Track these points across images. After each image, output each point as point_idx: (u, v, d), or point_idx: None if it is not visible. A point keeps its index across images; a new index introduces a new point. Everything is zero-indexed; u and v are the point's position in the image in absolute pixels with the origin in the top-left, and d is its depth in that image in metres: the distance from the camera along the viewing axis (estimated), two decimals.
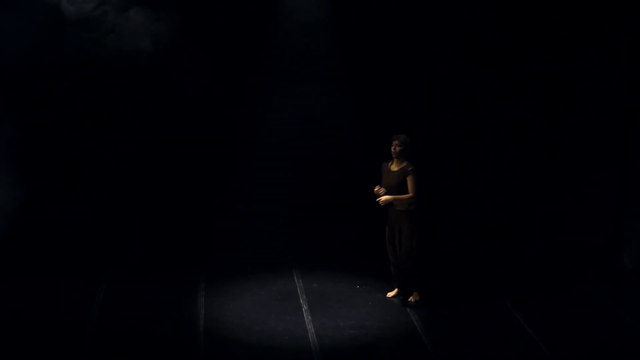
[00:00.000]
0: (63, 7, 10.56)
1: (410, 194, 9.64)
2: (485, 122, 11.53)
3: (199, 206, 11.52)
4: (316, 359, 8.51)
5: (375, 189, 9.78)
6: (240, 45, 11.29)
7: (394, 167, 9.77)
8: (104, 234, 11.25)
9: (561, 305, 9.75)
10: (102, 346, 8.73)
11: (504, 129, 11.52)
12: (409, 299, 9.83)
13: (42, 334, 8.91)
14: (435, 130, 11.61)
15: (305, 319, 9.38)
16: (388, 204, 9.72)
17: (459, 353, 8.65)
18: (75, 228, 11.23)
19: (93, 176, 11.29)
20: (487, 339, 8.92)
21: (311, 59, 11.40)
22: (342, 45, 11.33)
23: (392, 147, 9.76)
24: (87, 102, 11.17)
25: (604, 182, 11.28)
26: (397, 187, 9.68)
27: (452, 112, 11.58)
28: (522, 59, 11.31)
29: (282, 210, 11.62)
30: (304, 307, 9.68)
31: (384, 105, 11.54)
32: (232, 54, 11.30)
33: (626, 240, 11.04)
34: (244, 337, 8.96)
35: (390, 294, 10.05)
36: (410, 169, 9.65)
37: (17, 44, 10.52)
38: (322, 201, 11.63)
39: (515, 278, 10.54)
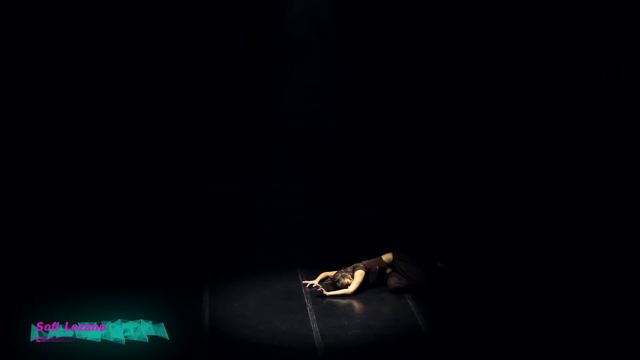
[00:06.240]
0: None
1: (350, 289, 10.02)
2: (492, 122, 11.55)
3: (201, 205, 11.55)
4: (320, 358, 8.53)
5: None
6: (241, 44, 11.34)
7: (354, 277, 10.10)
8: (106, 233, 11.30)
9: (562, 305, 9.76)
10: (106, 346, 8.77)
11: (508, 133, 11.53)
12: None
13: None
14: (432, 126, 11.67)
15: (310, 318, 9.40)
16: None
17: (464, 353, 8.67)
18: (77, 228, 11.28)
19: (92, 175, 11.33)
20: (492, 339, 8.94)
21: (314, 55, 11.46)
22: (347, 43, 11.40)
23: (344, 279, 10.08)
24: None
25: (604, 182, 11.28)
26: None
27: (454, 109, 11.62)
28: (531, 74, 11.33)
29: (285, 209, 11.66)
30: (309, 306, 9.71)
31: (385, 105, 11.58)
32: (232, 52, 11.34)
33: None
34: (249, 336, 8.98)
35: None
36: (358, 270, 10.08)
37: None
38: (326, 200, 11.68)
39: (516, 278, 10.54)
